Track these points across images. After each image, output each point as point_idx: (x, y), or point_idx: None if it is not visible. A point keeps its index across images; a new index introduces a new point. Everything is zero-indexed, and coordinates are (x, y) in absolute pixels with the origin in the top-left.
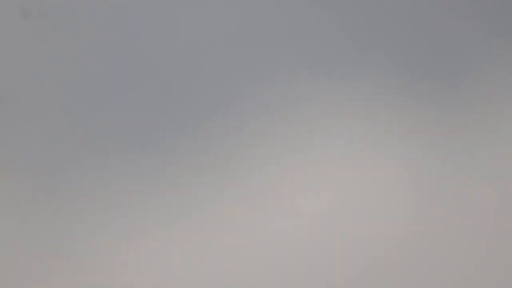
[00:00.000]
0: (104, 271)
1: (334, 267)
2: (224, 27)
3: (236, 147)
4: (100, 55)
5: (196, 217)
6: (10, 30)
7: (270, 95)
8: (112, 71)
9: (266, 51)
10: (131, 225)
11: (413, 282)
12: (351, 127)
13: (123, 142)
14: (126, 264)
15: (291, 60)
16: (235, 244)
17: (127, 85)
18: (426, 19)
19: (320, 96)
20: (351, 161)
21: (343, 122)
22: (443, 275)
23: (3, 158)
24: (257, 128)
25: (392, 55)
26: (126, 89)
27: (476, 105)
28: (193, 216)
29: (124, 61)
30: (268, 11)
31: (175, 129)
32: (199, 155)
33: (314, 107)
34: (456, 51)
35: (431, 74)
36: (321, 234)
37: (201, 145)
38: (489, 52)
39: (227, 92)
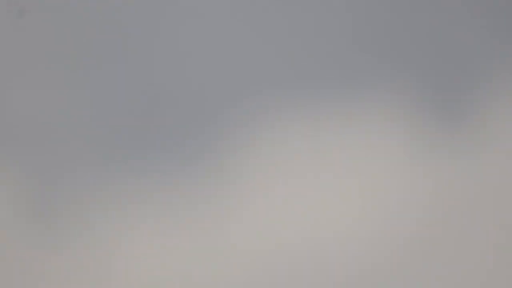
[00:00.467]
0: (103, 271)
1: (334, 269)
2: (225, 28)
3: (237, 148)
4: (99, 56)
5: (201, 215)
6: (5, 29)
7: (272, 96)
8: (111, 72)
9: (268, 52)
10: (126, 224)
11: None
12: (357, 129)
13: (122, 142)
14: (123, 264)
15: (299, 62)
16: (233, 246)
17: (126, 87)
18: (445, 34)
19: (326, 100)
20: (355, 163)
21: (348, 123)
22: (455, 277)
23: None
24: (258, 128)
25: (406, 69)
26: (125, 91)
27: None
28: (198, 214)
29: (123, 62)
30: (271, 16)
31: (175, 129)
32: (200, 155)
33: (319, 110)
34: (473, 62)
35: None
36: (323, 236)
37: (203, 145)
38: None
39: (228, 93)
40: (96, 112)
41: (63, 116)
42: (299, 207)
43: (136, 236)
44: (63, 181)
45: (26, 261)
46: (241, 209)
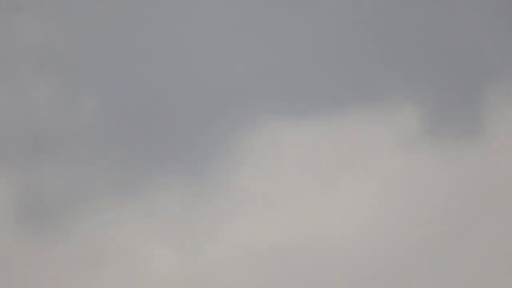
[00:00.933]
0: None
1: (337, 273)
2: (224, 33)
3: (237, 150)
4: (98, 55)
5: (201, 215)
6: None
7: (272, 99)
8: (109, 75)
9: (266, 58)
10: (126, 224)
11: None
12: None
13: (121, 143)
14: (123, 265)
15: (297, 67)
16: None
17: (126, 87)
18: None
19: (327, 100)
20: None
21: (350, 124)
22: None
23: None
24: (259, 129)
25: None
26: (125, 92)
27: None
28: (198, 215)
29: (122, 62)
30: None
31: (175, 132)
32: (200, 157)
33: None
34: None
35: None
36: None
37: (204, 148)
38: None
39: (230, 94)
40: (94, 113)
41: (62, 115)
42: (302, 211)
43: (136, 236)
44: (63, 181)
45: (26, 261)
46: (241, 211)
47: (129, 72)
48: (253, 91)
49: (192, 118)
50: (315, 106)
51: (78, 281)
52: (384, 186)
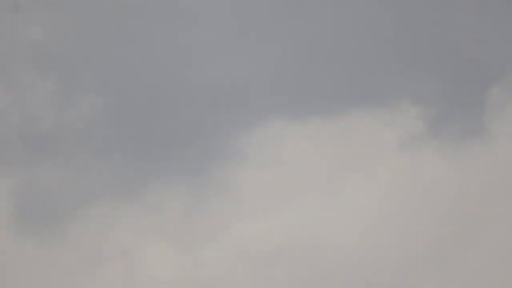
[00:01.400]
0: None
1: (337, 275)
2: (224, 34)
3: (239, 151)
4: (97, 56)
5: (201, 216)
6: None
7: (274, 101)
8: (108, 73)
9: (267, 60)
10: (125, 225)
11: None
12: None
13: (121, 143)
14: (123, 265)
15: (298, 70)
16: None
17: (126, 88)
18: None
19: (329, 101)
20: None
21: (353, 125)
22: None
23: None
24: (258, 130)
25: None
26: (124, 93)
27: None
28: (199, 215)
29: (119, 62)
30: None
31: (175, 131)
32: (200, 160)
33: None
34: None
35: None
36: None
37: (204, 150)
38: None
39: (230, 94)
40: (94, 113)
41: (62, 115)
42: (308, 212)
43: (136, 236)
44: (63, 181)
45: (26, 260)
46: (242, 212)
47: (130, 72)
48: (255, 91)
49: (193, 118)
50: (317, 107)
51: (77, 281)
52: (386, 187)
